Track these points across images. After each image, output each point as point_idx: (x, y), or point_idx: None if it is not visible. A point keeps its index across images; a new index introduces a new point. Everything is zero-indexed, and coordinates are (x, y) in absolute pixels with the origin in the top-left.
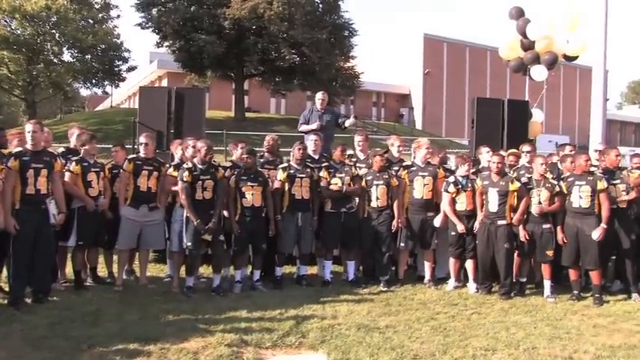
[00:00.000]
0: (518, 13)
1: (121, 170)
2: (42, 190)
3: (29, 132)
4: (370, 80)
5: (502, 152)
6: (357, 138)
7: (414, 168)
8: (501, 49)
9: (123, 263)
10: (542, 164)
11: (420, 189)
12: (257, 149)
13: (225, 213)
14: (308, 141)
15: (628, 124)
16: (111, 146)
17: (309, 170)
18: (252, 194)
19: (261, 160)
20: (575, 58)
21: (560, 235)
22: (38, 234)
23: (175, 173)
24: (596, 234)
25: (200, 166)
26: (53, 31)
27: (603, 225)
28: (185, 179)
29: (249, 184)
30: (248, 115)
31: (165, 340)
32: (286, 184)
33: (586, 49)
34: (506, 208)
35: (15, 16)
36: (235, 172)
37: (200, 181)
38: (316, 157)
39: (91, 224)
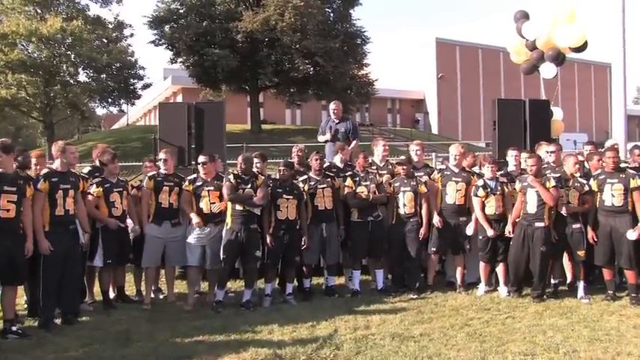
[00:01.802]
0: (523, 17)
1: (142, 188)
2: (70, 211)
3: (71, 152)
4: (384, 87)
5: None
6: (381, 143)
7: (447, 172)
8: (511, 55)
9: (150, 281)
10: (575, 164)
11: (452, 194)
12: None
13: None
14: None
15: None
16: (130, 164)
17: (329, 180)
18: (287, 207)
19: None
20: (582, 49)
21: (590, 234)
22: (68, 255)
23: (190, 187)
24: (633, 234)
25: (243, 176)
26: (69, 52)
27: None
28: (231, 181)
29: (284, 196)
30: (264, 127)
31: (198, 358)
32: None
33: (585, 38)
34: (544, 210)
35: (32, 40)
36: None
37: (241, 190)
38: (341, 166)
39: (115, 243)
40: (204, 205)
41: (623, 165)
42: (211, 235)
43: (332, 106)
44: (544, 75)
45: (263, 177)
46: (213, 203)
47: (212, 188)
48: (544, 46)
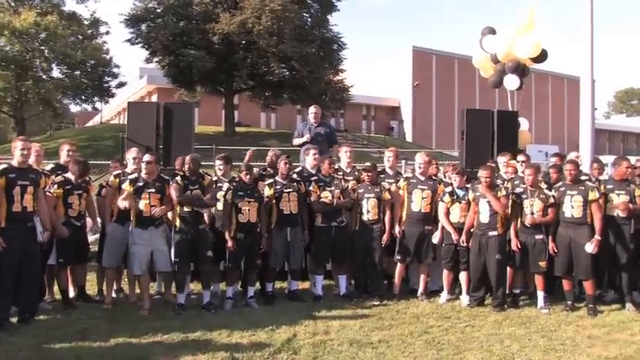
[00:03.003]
0: (490, 32)
1: (106, 187)
2: (28, 208)
3: (21, 149)
4: (360, 93)
5: (491, 163)
6: (345, 149)
7: (413, 180)
8: (480, 70)
9: (110, 281)
10: (530, 175)
11: (418, 202)
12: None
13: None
14: (308, 156)
15: (616, 133)
16: (102, 162)
17: (295, 184)
18: (249, 210)
19: (262, 174)
20: (541, 59)
21: (550, 245)
22: (24, 252)
23: (130, 188)
24: (590, 247)
25: (191, 177)
26: (42, 47)
27: (597, 237)
28: (178, 182)
29: (246, 199)
30: (238, 129)
31: (155, 358)
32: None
33: (540, 48)
34: (497, 219)
35: (4, 33)
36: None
37: (189, 191)
38: (313, 171)
39: (70, 242)
40: (143, 207)
41: (584, 177)
42: (154, 237)
43: (312, 109)
44: (508, 87)
45: (209, 177)
46: (154, 206)
47: (153, 190)
48: (504, 58)
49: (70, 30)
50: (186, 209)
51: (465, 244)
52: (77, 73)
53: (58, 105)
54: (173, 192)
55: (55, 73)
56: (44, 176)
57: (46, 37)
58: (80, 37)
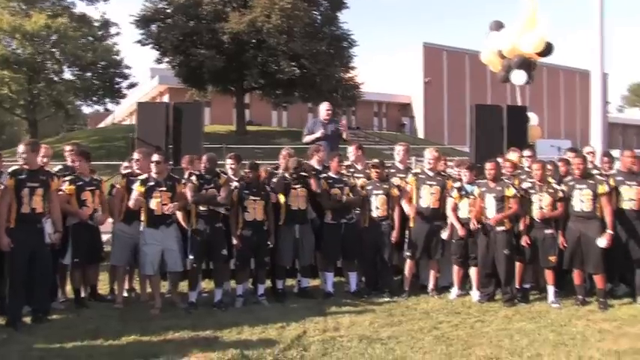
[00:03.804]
0: (498, 27)
1: (116, 186)
2: (37, 209)
3: (21, 153)
4: (371, 90)
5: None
6: (350, 148)
7: (422, 176)
8: (490, 66)
9: (120, 280)
10: (537, 170)
11: (427, 197)
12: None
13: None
14: (317, 154)
15: (630, 126)
16: (115, 163)
17: (304, 180)
18: (255, 208)
19: (274, 172)
20: (546, 54)
21: (560, 239)
22: (35, 253)
23: (142, 189)
24: (603, 241)
25: (206, 176)
26: (53, 49)
27: (609, 231)
28: (193, 182)
29: (251, 198)
30: (250, 128)
31: (165, 357)
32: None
33: (544, 42)
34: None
35: (15, 36)
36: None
37: (204, 190)
38: (320, 168)
39: (85, 241)
40: (155, 205)
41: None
42: (165, 237)
43: (325, 106)
44: (515, 82)
45: (225, 175)
46: (165, 204)
47: (164, 189)
48: (509, 53)
49: (80, 32)
50: (202, 208)
51: (475, 226)
52: (88, 74)
53: (70, 107)
54: (188, 192)
55: (67, 74)
56: (56, 178)
57: (57, 39)
58: (91, 38)
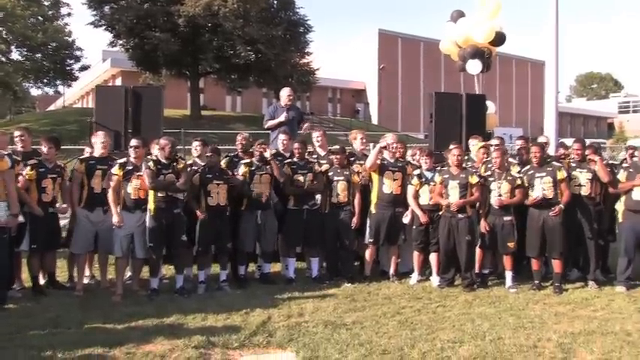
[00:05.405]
0: (460, 16)
1: (74, 170)
2: None
3: None
4: (325, 76)
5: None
6: (315, 134)
7: (384, 162)
8: (451, 55)
9: (81, 267)
10: (497, 158)
11: (389, 184)
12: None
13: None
14: (277, 140)
15: (577, 116)
16: (68, 147)
17: (269, 167)
18: (218, 192)
19: (235, 160)
20: (497, 43)
21: (482, 224)
22: None
23: (120, 172)
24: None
25: (164, 161)
26: (0, 28)
27: (561, 205)
28: (151, 168)
29: (214, 182)
30: (204, 113)
31: (130, 344)
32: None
33: (493, 33)
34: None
35: None
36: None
37: (162, 176)
38: (287, 154)
39: (43, 228)
40: (131, 190)
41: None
42: (139, 222)
43: (287, 91)
44: (470, 71)
45: (183, 161)
46: (141, 189)
47: (142, 174)
48: (464, 43)
49: (29, 11)
50: (160, 194)
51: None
52: (38, 55)
53: (18, 88)
54: (146, 178)
55: (15, 55)
56: (11, 160)
57: (4, 17)
58: (40, 18)
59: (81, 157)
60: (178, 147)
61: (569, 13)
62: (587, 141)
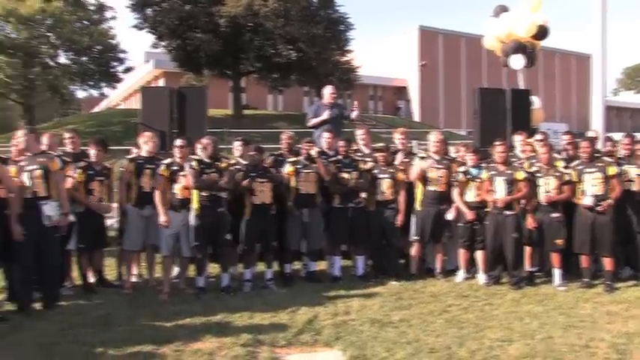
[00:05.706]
0: (502, 11)
1: (122, 170)
2: (39, 193)
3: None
4: (367, 74)
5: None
6: (359, 132)
7: (429, 160)
8: (495, 51)
9: (130, 265)
10: (544, 153)
11: (434, 181)
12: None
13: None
14: (321, 138)
15: (624, 109)
16: (113, 148)
17: (315, 165)
18: (262, 191)
19: (280, 159)
20: (540, 37)
21: (529, 220)
22: (40, 238)
23: (166, 172)
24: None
25: (207, 161)
26: (49, 33)
27: (610, 200)
28: (194, 167)
29: (258, 180)
30: (246, 112)
31: (179, 342)
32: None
33: (535, 26)
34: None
35: (9, 20)
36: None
37: (205, 175)
38: (331, 153)
39: (89, 227)
40: (178, 190)
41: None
42: (184, 221)
43: (330, 89)
44: (512, 66)
45: (226, 160)
46: (187, 188)
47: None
48: (506, 38)
49: (75, 16)
50: (204, 193)
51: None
52: (84, 58)
53: (66, 91)
54: (189, 177)
55: (62, 59)
56: (56, 159)
57: (53, 23)
58: (86, 22)
59: (129, 157)
60: (222, 146)
61: (617, 11)
62: (637, 135)
